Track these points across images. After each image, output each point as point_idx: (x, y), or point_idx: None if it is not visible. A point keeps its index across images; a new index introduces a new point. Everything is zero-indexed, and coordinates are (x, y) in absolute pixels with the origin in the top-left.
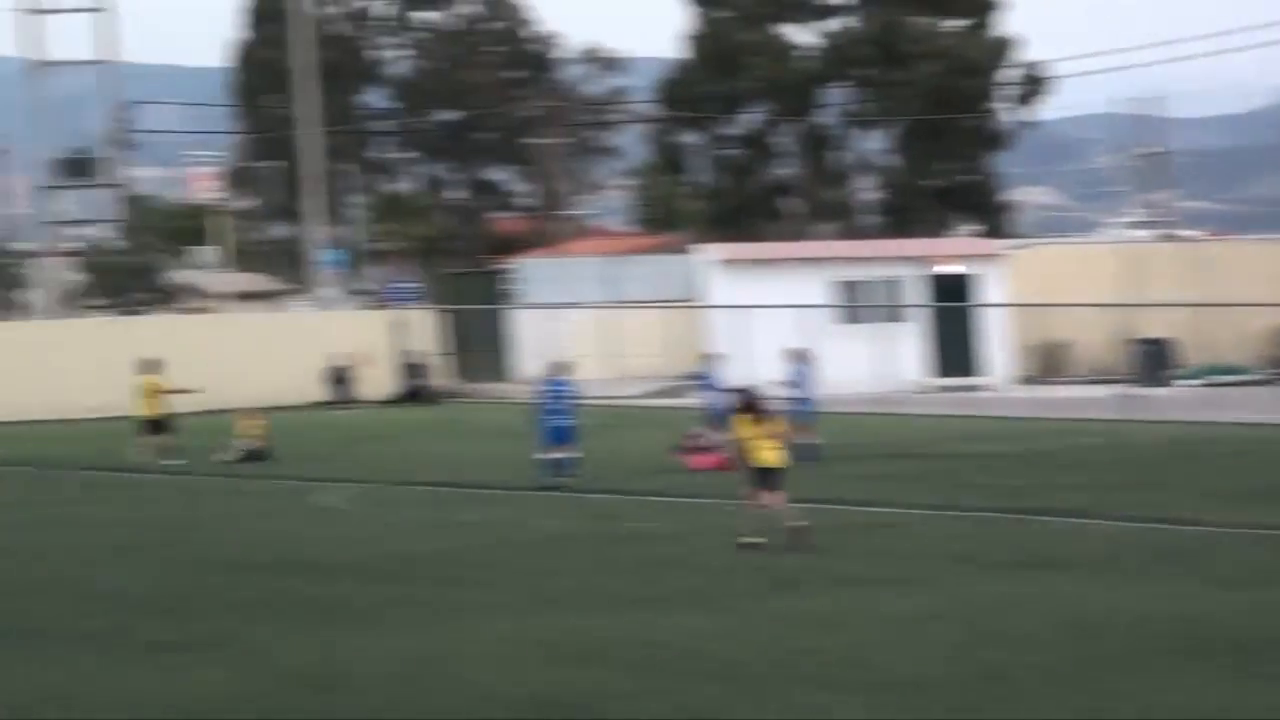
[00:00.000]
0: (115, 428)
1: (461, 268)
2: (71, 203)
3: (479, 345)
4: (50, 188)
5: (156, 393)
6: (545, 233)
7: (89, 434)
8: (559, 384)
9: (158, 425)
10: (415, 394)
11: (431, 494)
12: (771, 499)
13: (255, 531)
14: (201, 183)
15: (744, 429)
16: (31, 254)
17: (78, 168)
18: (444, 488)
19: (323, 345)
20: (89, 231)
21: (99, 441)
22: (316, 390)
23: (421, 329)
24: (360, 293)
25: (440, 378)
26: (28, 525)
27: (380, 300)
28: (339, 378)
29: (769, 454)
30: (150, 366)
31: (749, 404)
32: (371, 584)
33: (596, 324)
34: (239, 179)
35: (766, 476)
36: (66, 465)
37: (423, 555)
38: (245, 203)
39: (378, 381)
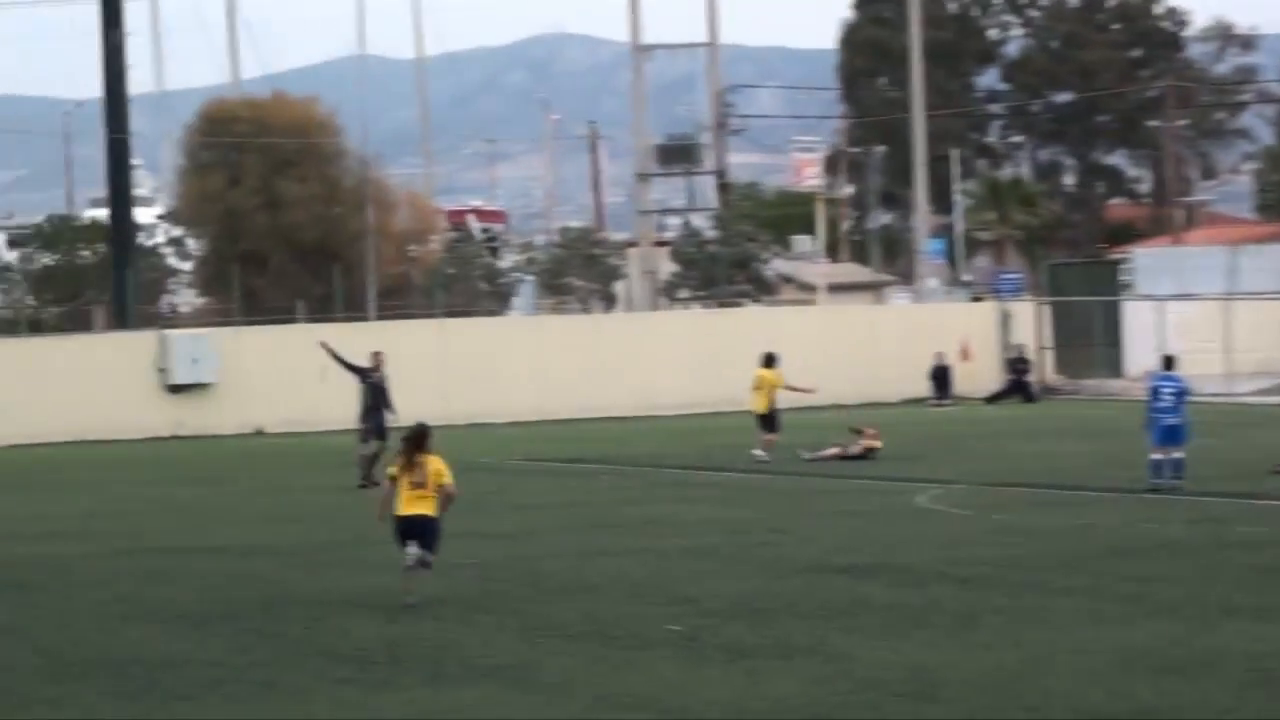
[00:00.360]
0: (704, 424)
1: (1069, 257)
2: (669, 190)
3: (1085, 339)
4: (648, 175)
5: (774, 388)
6: (1160, 220)
7: (677, 431)
8: (1169, 380)
9: (768, 420)
10: (1017, 390)
11: (1030, 495)
12: None
13: (843, 533)
14: (803, 169)
15: None
16: (626, 244)
17: (677, 154)
18: (1043, 489)
19: (924, 339)
20: (686, 220)
21: (689, 439)
22: (915, 386)
23: (1025, 322)
24: (963, 284)
25: (1043, 373)
26: (612, 526)
27: (985, 292)
28: (940, 373)
29: None
30: (770, 360)
31: None
32: (962, 589)
33: (1205, 317)
34: (841, 165)
35: None
36: (655, 464)
37: (1018, 559)
38: (847, 190)
39: (979, 377)
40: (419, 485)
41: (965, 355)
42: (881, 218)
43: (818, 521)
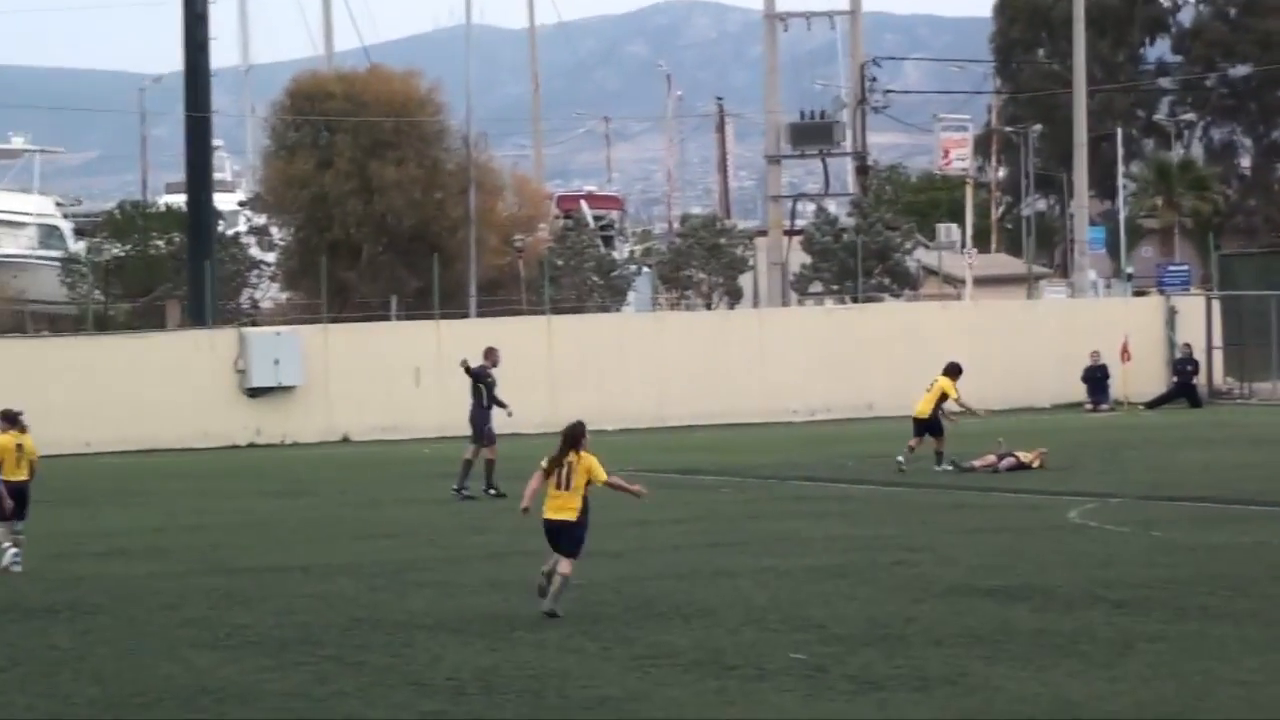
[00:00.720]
0: (836, 432)
1: (1243, 247)
2: (803, 174)
3: (1259, 338)
4: (780, 157)
5: (944, 396)
6: None
7: (806, 438)
8: None
9: (927, 426)
10: (1183, 394)
11: (1194, 511)
12: None
13: (986, 552)
14: (951, 151)
15: None
16: (754, 233)
17: (812, 134)
18: (1209, 504)
19: (1081, 338)
20: (820, 206)
21: (819, 448)
22: (1071, 390)
23: (1193, 319)
24: (1125, 277)
25: (1212, 376)
26: (731, 544)
27: (1149, 286)
28: (1097, 375)
29: None
30: (954, 370)
31: None
32: (1117, 614)
33: None
34: (993, 146)
35: None
36: (781, 475)
37: (1179, 581)
38: (998, 173)
39: (1141, 379)
40: (563, 487)
41: (1125, 355)
42: (1036, 204)
43: (959, 539)
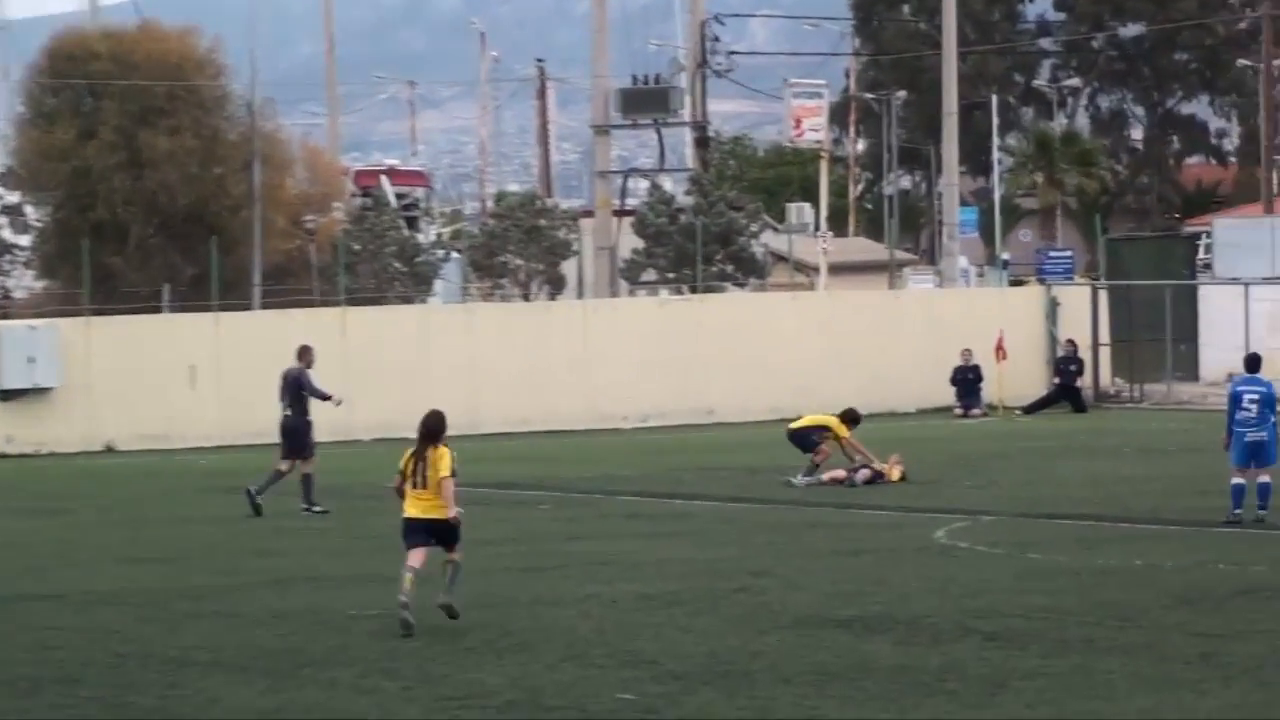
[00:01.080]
0: (674, 440)
1: (1134, 230)
2: (635, 147)
3: (1152, 334)
4: (608, 127)
5: (823, 429)
6: (1250, 185)
7: (640, 448)
8: (1255, 385)
9: (799, 438)
10: (1065, 397)
11: (1077, 530)
12: None
13: (842, 577)
14: (803, 121)
15: None
16: (579, 213)
17: (645, 101)
18: (1094, 522)
19: (951, 334)
20: (655, 183)
21: (655, 458)
22: (938, 392)
23: (1077, 312)
24: (1001, 264)
25: (1098, 376)
26: (552, 569)
27: (1028, 274)
28: (968, 377)
29: None
30: (851, 419)
31: None
32: (989, 647)
33: None
34: (852, 116)
35: None
36: (609, 489)
37: (1061, 610)
38: (858, 147)
39: (1018, 381)
40: (420, 485)
41: (1000, 353)
42: (900, 181)
43: (810, 563)
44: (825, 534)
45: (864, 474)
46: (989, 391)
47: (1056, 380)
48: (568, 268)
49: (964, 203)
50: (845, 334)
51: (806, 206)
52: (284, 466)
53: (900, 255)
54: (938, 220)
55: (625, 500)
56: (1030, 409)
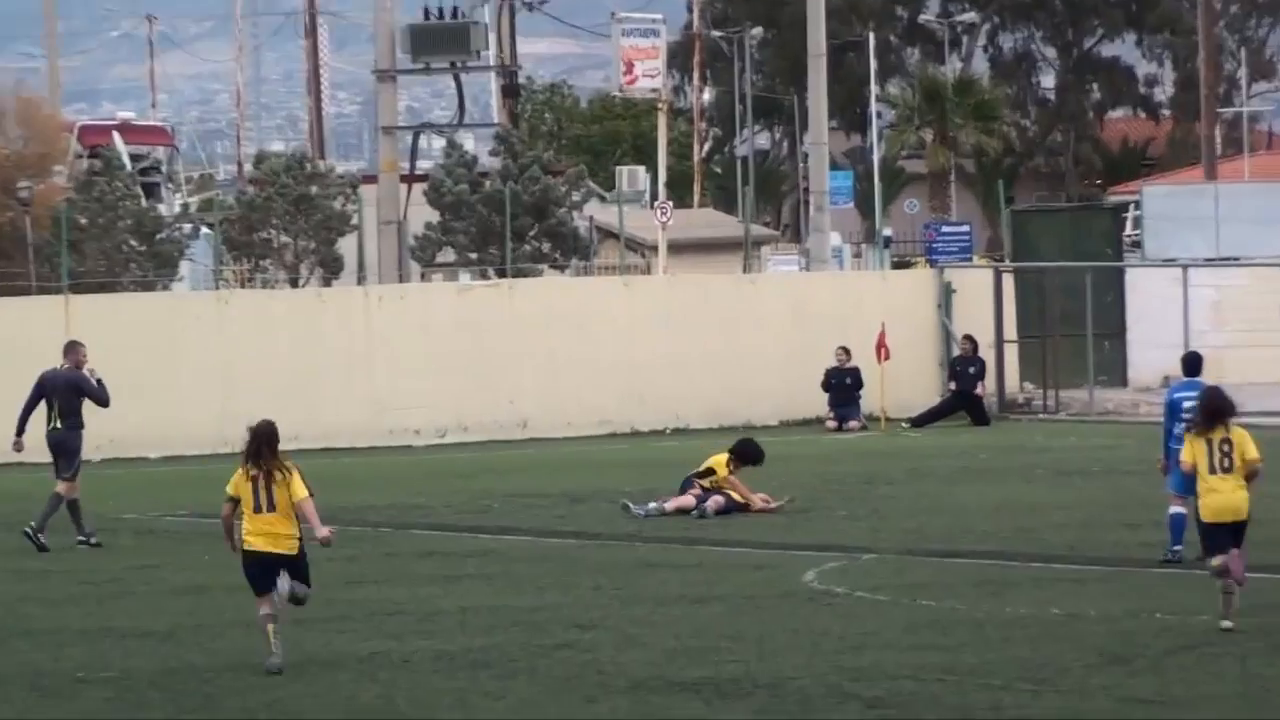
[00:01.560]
0: (478, 460)
1: (1045, 199)
2: (427, 97)
3: (1068, 327)
4: (393, 73)
5: (712, 475)
6: (1187, 144)
7: (437, 469)
8: (1195, 391)
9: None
10: (962, 406)
11: (978, 571)
12: None
13: (690, 630)
14: (636, 64)
15: None
16: (359, 179)
17: (439, 40)
18: (999, 561)
19: (821, 328)
20: (452, 141)
21: (454, 482)
22: (805, 400)
23: (976, 301)
24: (882, 241)
25: (1004, 380)
26: (330, 619)
27: (915, 254)
28: (845, 380)
29: None
30: (746, 455)
31: None
32: (870, 717)
33: (1255, 293)
34: (696, 58)
35: None
36: (399, 521)
37: (959, 669)
38: (703, 96)
39: (906, 386)
40: (265, 508)
41: (882, 352)
42: (757, 140)
43: (650, 612)
44: (668, 576)
45: (716, 501)
46: (869, 399)
47: (952, 385)
48: (345, 246)
49: (835, 166)
50: (690, 328)
51: (641, 171)
52: (63, 489)
53: (758, 231)
54: (803, 188)
55: (418, 535)
56: (920, 421)
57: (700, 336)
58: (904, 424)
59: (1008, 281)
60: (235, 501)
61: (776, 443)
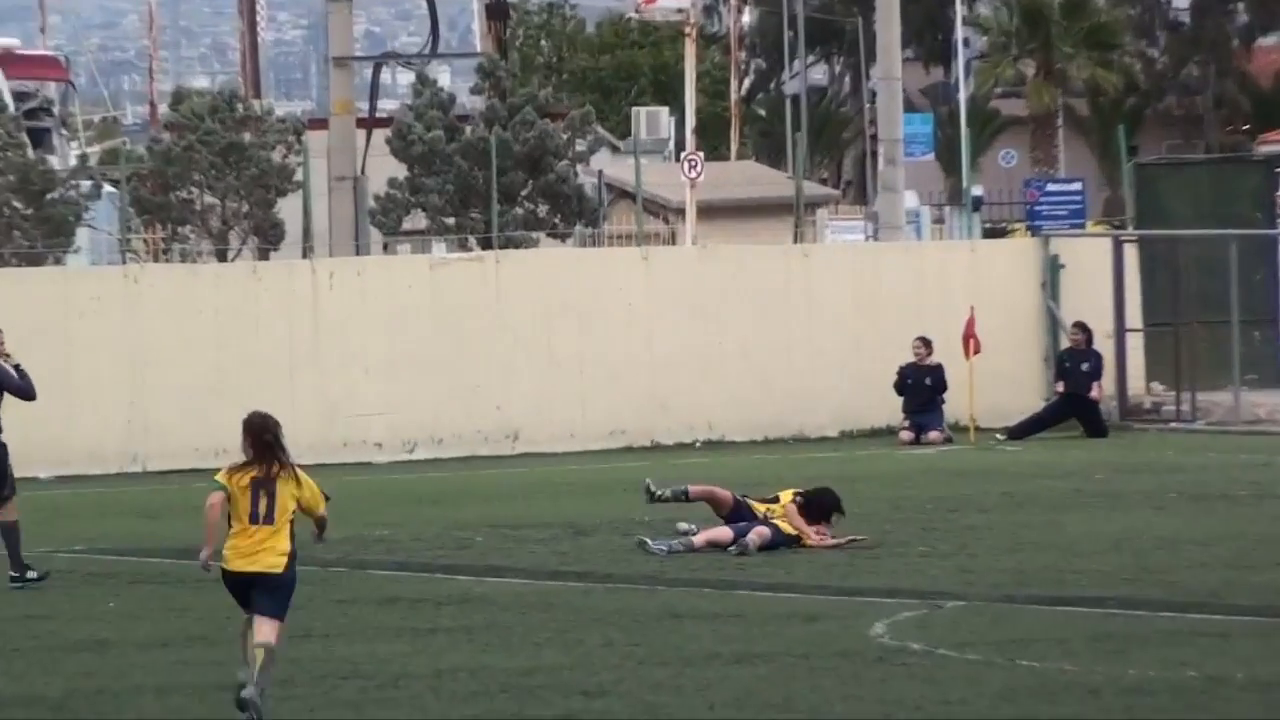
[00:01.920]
0: (440, 481)
1: (1181, 150)
2: (388, 21)
3: (1211, 312)
4: None
5: (765, 508)
6: None
7: (396, 491)
8: None
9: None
10: (1075, 412)
11: (1094, 623)
12: None
13: (723, 695)
14: None
15: None
16: (308, 123)
17: None
18: (1120, 610)
19: (891, 314)
20: (422, 76)
21: (420, 509)
22: (878, 406)
23: (1091, 279)
24: (971, 203)
25: (1126, 380)
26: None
27: (1012, 220)
28: (923, 381)
29: None
30: (819, 507)
31: None
32: None
33: None
34: None
35: None
36: (342, 555)
37: None
38: (742, 20)
39: (1001, 387)
40: (261, 520)
41: (971, 345)
42: (811, 74)
43: (679, 674)
44: (699, 630)
45: (760, 533)
46: (955, 404)
47: (1060, 387)
48: (287, 209)
49: (911, 107)
50: (726, 314)
51: (663, 114)
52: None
53: (812, 190)
54: (870, 135)
55: (380, 576)
56: (1019, 431)
57: (739, 324)
58: (999, 435)
59: (1130, 254)
60: (226, 495)
61: (837, 460)
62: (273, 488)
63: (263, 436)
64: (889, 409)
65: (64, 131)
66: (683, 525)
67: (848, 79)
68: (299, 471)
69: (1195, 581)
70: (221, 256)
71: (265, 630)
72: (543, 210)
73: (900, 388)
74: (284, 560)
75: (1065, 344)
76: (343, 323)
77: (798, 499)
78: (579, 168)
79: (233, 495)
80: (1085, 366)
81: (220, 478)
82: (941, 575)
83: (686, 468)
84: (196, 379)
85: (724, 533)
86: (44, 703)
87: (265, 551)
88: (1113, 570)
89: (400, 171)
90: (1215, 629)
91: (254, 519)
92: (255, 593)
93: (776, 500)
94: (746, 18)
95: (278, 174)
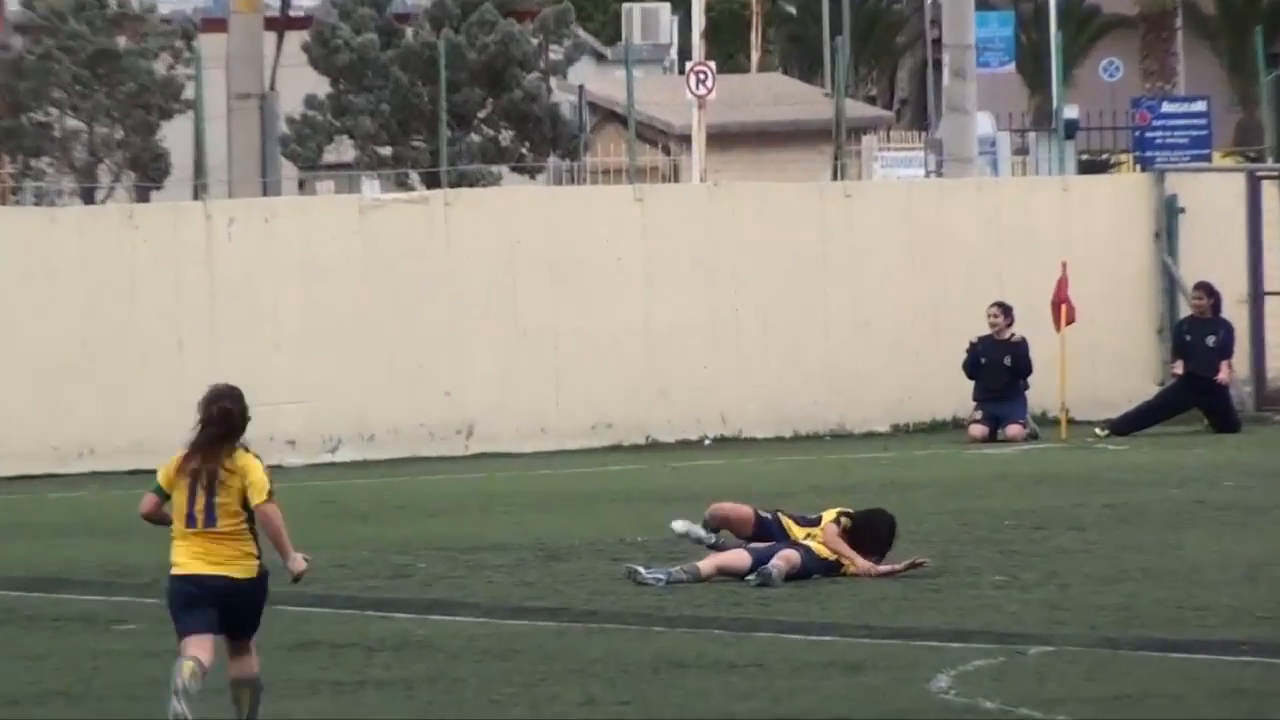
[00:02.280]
0: (377, 489)
1: None
2: None
3: None
4: None
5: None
6: None
7: (314, 506)
8: None
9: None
10: (1197, 400)
11: (1228, 673)
12: None
13: None
14: None
15: None
16: (197, 25)
17: None
18: (1255, 658)
19: (959, 271)
20: None
21: (348, 527)
22: (942, 392)
23: (1220, 228)
24: (1063, 130)
25: (1263, 358)
26: None
27: (1115, 151)
28: (1001, 360)
29: None
30: (864, 529)
31: None
32: None
33: None
34: None
35: None
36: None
37: None
38: None
39: (1102, 367)
40: (200, 522)
41: (1063, 313)
42: None
43: None
44: (706, 683)
45: (787, 557)
46: (1041, 390)
47: (1178, 368)
48: (174, 135)
49: (987, 4)
50: (744, 272)
51: (663, 12)
52: None
53: (857, 111)
54: (931, 40)
55: (293, 613)
56: (1125, 425)
57: (760, 286)
58: (1099, 429)
59: (1271, 194)
60: (164, 496)
61: (888, 463)
62: (211, 482)
63: (219, 417)
64: (956, 396)
65: None
66: (679, 525)
67: None
68: (247, 458)
69: None
70: (88, 197)
71: (247, 664)
72: (506, 137)
73: (971, 369)
74: (255, 563)
75: (1186, 312)
76: (246, 283)
77: (842, 519)
78: (553, 81)
79: (173, 496)
80: (1211, 341)
81: (159, 476)
82: (1023, 612)
83: (693, 471)
84: (54, 357)
85: (740, 557)
86: None
87: (230, 556)
88: (1245, 606)
89: (321, 87)
90: None
91: (190, 522)
92: (226, 610)
93: (818, 523)
94: None
95: (161, 90)
